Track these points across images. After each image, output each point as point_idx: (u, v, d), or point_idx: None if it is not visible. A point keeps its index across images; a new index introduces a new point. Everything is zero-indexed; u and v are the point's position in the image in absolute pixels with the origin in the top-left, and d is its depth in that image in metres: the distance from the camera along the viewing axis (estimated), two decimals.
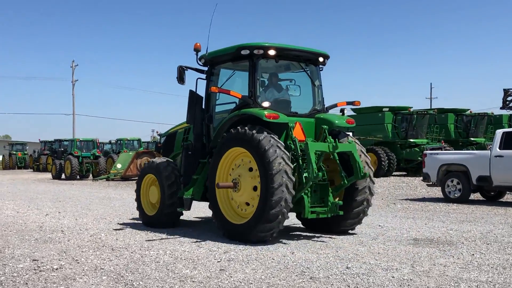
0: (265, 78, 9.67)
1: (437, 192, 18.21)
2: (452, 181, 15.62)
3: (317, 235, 9.40)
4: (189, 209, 9.89)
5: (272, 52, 9.01)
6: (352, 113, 30.62)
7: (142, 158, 29.17)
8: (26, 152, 57.78)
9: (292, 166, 8.40)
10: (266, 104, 8.94)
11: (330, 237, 9.13)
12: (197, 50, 9.73)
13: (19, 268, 6.84)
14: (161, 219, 10.39)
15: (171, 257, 7.48)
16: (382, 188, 20.98)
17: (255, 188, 8.65)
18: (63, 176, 33.79)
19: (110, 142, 45.53)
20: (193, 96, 9.83)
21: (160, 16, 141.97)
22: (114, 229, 10.30)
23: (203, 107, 9.96)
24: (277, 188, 8.13)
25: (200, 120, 9.90)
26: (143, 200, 10.97)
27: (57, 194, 20.30)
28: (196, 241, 8.77)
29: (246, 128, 8.63)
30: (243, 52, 9.03)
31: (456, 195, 15.48)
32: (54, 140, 43.59)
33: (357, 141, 9.45)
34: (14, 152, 57.01)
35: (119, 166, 29.76)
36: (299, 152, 8.67)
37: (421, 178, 17.23)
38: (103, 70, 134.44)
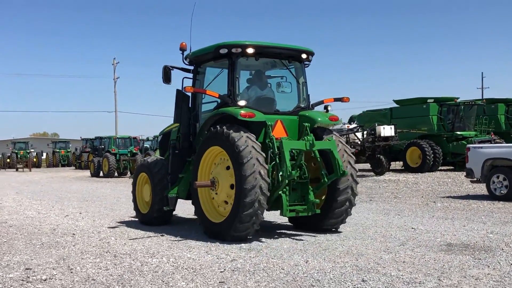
0: (251, 76, 9.76)
1: (483, 188, 17.08)
2: (498, 177, 14.51)
3: (342, 238, 8.69)
4: (174, 207, 10.15)
5: (250, 50, 9.12)
6: (394, 105, 29.52)
7: None
8: (69, 150, 58.83)
9: (267, 167, 8.46)
10: (242, 102, 8.92)
11: (355, 242, 8.40)
12: (182, 49, 9.89)
13: (8, 278, 6.45)
14: (152, 217, 10.63)
15: (173, 265, 6.94)
16: (425, 184, 19.96)
17: (232, 187, 8.72)
18: (101, 173, 33.95)
19: (147, 139, 45.62)
20: (180, 95, 9.98)
21: (199, 9, 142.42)
22: (127, 232, 9.87)
23: (190, 106, 10.11)
24: (250, 189, 8.22)
25: (187, 119, 10.04)
26: (138, 198, 11.26)
27: (87, 193, 20.18)
28: (207, 246, 8.22)
29: (224, 127, 8.71)
30: (222, 51, 9.15)
31: (503, 192, 14.38)
32: (94, 138, 43.98)
33: (341, 139, 9.46)
34: (57, 150, 58.18)
35: None
36: (276, 150, 8.67)
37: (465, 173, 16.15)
38: (144, 66, 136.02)
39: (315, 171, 9.15)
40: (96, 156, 36.97)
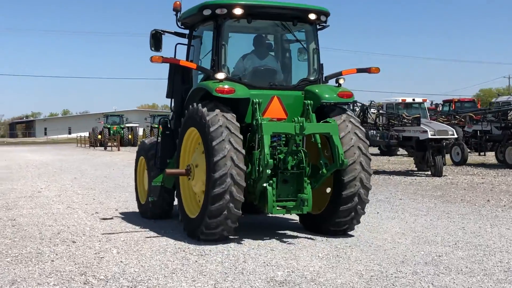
0: (251, 41, 9.95)
1: None
2: None
3: (435, 272, 6.99)
4: (157, 198, 10.56)
5: (238, 11, 9.14)
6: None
7: None
8: None
9: (243, 152, 8.58)
10: (221, 75, 8.97)
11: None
12: (176, 10, 10.04)
13: None
14: (148, 208, 11.06)
15: None
16: None
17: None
18: None
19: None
20: (172, 65, 10.14)
21: None
22: (142, 242, 8.92)
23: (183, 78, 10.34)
24: (219, 178, 8.34)
25: (180, 94, 10.22)
26: (140, 186, 11.84)
27: None
28: (226, 272, 6.97)
29: (199, 105, 8.85)
30: (205, 12, 9.24)
31: None
32: None
33: (354, 120, 9.27)
34: (156, 126, 59.05)
35: None
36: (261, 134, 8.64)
37: None
38: None
39: (328, 159, 9.04)
40: None
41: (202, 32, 10.07)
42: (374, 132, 22.58)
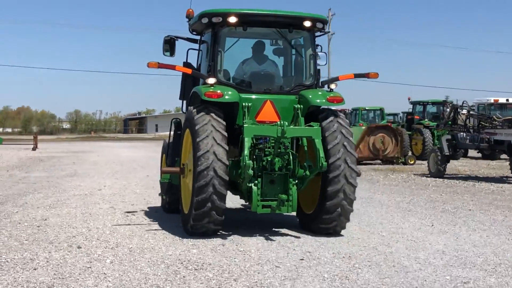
0: (253, 47, 10.49)
1: None
2: None
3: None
4: (165, 194, 11.37)
5: (233, 20, 9.67)
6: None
7: (377, 135, 26.70)
8: None
9: (227, 148, 8.99)
10: (211, 80, 9.41)
11: None
12: (189, 17, 10.68)
13: None
14: (165, 204, 11.88)
15: None
16: None
17: None
18: None
19: (344, 113, 43.62)
20: None
21: None
22: (149, 250, 8.28)
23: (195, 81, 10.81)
24: (202, 171, 8.77)
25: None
26: None
27: None
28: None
29: (192, 107, 9.43)
30: (203, 20, 9.83)
31: None
32: None
33: (344, 126, 9.46)
34: None
35: None
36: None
37: None
38: (367, 20, 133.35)
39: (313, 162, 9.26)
40: None
41: (209, 38, 10.32)
42: (464, 134, 21.02)
